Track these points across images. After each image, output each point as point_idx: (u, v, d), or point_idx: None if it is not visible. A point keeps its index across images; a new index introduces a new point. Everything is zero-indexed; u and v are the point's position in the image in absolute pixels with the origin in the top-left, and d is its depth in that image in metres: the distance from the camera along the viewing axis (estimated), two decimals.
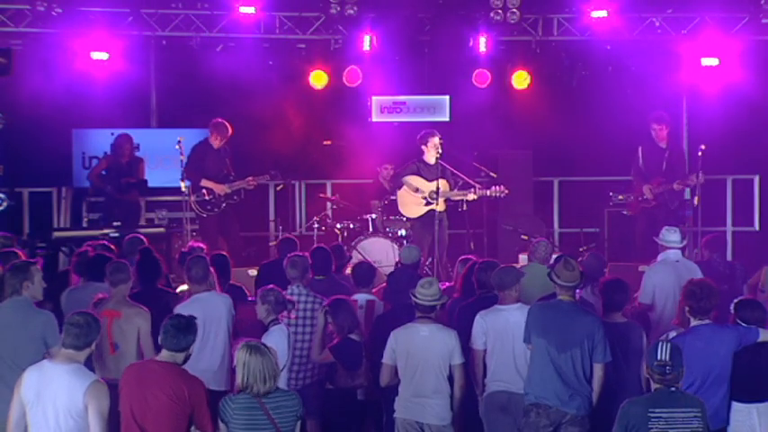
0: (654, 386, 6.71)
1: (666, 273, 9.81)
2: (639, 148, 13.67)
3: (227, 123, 13.61)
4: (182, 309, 8.34)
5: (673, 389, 6.65)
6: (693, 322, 7.84)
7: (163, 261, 9.81)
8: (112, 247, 10.79)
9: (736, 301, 8.12)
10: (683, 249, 10.30)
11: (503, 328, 8.26)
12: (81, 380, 6.70)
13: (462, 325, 8.48)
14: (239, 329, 8.84)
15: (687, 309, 7.88)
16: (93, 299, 8.55)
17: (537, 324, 7.96)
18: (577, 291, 9.12)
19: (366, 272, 9.61)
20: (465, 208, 13.13)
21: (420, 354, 8.09)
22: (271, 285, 8.74)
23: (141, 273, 9.38)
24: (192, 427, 6.78)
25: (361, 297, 9.35)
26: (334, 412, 8.41)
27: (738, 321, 7.88)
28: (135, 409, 6.70)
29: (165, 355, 6.84)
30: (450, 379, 8.17)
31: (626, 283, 8.66)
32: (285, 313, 8.61)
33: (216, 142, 13.58)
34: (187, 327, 6.84)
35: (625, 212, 14.36)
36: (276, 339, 8.14)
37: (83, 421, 6.65)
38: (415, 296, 8.21)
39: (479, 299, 8.84)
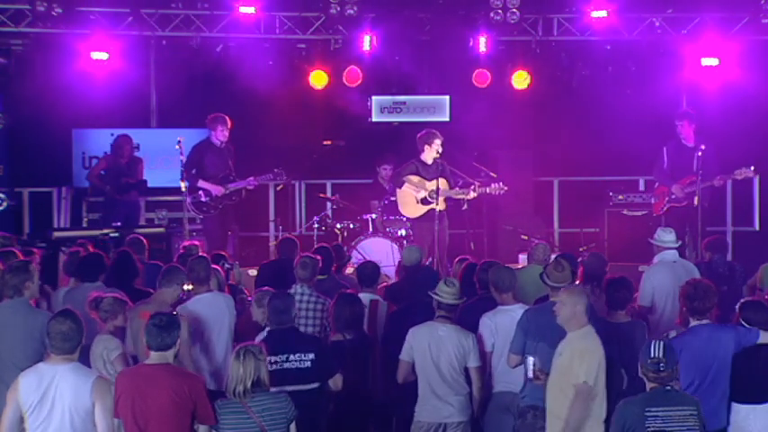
0: (649, 385, 6.70)
1: (665, 274, 9.76)
2: (663, 149, 13.37)
3: (223, 115, 13.53)
4: (182, 309, 8.36)
5: (668, 388, 6.65)
6: (692, 322, 7.84)
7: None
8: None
9: (741, 301, 8.12)
10: (679, 249, 10.28)
11: (509, 329, 8.25)
12: (85, 377, 6.73)
13: (465, 325, 8.47)
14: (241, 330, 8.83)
15: (685, 309, 7.89)
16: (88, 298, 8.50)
17: (532, 329, 7.92)
18: None
19: (371, 272, 9.61)
20: (466, 207, 13.13)
21: (435, 353, 8.12)
22: (266, 288, 8.74)
23: (118, 273, 9.45)
24: (196, 423, 6.78)
25: (365, 297, 9.34)
26: (342, 413, 8.40)
27: (742, 322, 7.88)
28: (137, 415, 6.68)
29: (154, 356, 6.82)
30: (468, 380, 8.21)
31: (629, 281, 8.65)
32: None
33: (218, 136, 13.48)
34: (168, 324, 6.82)
35: (627, 212, 14.39)
36: None
37: (89, 417, 6.67)
38: (437, 294, 8.21)
39: (481, 299, 8.85)
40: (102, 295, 8.28)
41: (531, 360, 7.72)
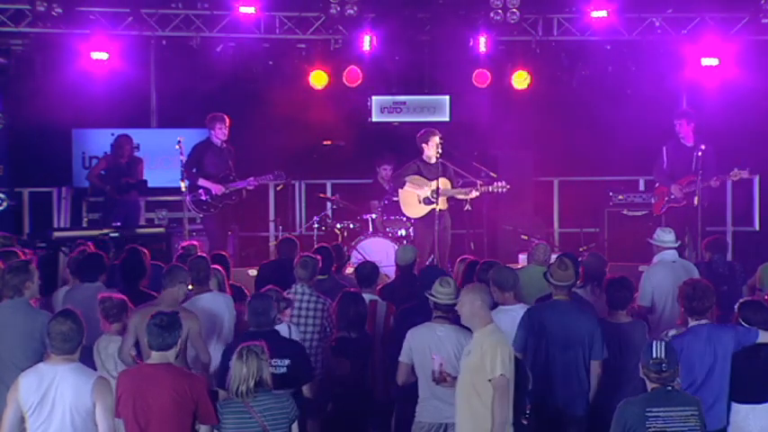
0: (650, 386, 6.70)
1: (664, 274, 9.77)
2: (663, 149, 13.44)
3: (222, 114, 13.54)
4: (189, 305, 8.36)
5: (669, 388, 6.65)
6: (691, 322, 7.84)
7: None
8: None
9: (740, 301, 8.12)
10: (679, 249, 10.28)
11: (510, 328, 8.22)
12: (86, 378, 6.73)
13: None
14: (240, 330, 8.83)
15: (684, 309, 7.90)
16: (97, 298, 8.46)
17: (536, 326, 7.95)
18: (578, 290, 9.16)
19: (370, 272, 9.61)
20: (469, 208, 13.14)
21: (434, 353, 8.11)
22: (267, 287, 8.74)
23: (124, 273, 9.41)
24: (197, 423, 6.79)
25: (364, 297, 9.33)
26: (342, 412, 8.41)
27: (741, 322, 7.88)
28: (138, 415, 6.70)
29: (156, 356, 6.83)
30: None
31: (630, 281, 8.65)
32: (288, 311, 8.60)
33: (217, 134, 13.47)
34: (170, 323, 6.83)
35: (627, 212, 14.41)
36: None
37: (89, 417, 6.67)
38: (432, 295, 8.21)
39: None
40: (111, 296, 8.29)
41: (437, 360, 7.70)
